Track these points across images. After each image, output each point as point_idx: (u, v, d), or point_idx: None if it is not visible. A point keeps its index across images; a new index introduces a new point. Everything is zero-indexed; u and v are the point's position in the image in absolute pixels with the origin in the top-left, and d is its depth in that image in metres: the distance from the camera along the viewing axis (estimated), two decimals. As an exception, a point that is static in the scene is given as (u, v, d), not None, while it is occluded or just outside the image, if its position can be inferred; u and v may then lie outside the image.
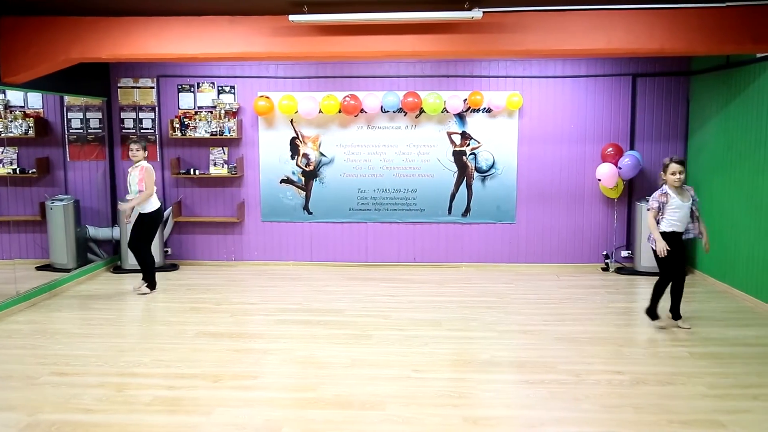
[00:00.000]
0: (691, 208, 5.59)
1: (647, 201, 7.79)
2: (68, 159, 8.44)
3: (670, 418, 3.92)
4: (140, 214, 6.93)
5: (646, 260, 7.82)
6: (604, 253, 8.29)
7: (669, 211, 5.58)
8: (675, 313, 5.75)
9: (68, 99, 8.27)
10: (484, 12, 5.77)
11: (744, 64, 6.74)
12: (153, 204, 6.93)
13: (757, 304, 6.45)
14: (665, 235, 5.56)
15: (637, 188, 8.21)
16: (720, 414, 3.98)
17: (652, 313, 5.79)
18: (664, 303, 5.72)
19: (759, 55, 6.36)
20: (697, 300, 5.82)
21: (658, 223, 5.62)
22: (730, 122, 7.07)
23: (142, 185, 6.81)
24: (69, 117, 8.38)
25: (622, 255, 8.33)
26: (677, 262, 5.63)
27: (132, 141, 6.92)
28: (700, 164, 7.76)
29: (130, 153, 6.87)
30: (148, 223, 6.97)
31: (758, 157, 6.50)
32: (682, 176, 5.53)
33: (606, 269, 8.22)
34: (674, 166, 5.51)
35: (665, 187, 5.60)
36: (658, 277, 5.74)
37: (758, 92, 6.52)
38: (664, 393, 4.32)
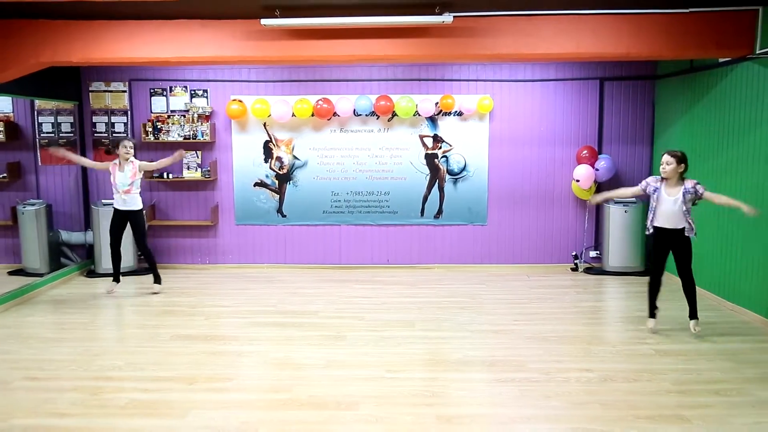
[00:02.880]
0: (684, 203, 5.35)
1: (615, 203, 7.97)
2: (40, 163, 8.41)
3: (637, 414, 4.04)
4: (132, 212, 6.98)
5: (614, 260, 8.01)
6: (574, 253, 8.45)
7: (655, 203, 5.50)
8: (690, 314, 5.64)
9: (39, 103, 8.23)
10: (454, 17, 5.87)
11: (707, 69, 6.92)
12: (140, 202, 7.05)
13: (720, 302, 6.65)
14: (654, 230, 5.54)
15: (605, 190, 8.17)
16: (684, 409, 4.11)
17: (649, 311, 5.77)
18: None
19: (721, 59, 6.55)
20: (663, 298, 5.90)
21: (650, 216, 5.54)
22: (694, 125, 7.25)
23: (135, 178, 6.93)
24: (40, 121, 8.35)
25: (591, 255, 8.48)
26: (661, 261, 5.60)
27: (125, 138, 6.96)
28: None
29: (124, 150, 6.87)
30: (141, 219, 7.09)
31: (721, 159, 6.68)
32: (668, 167, 5.36)
33: (575, 269, 8.37)
34: (663, 157, 5.44)
35: (659, 177, 5.53)
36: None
37: (721, 96, 6.70)
38: (630, 389, 4.44)
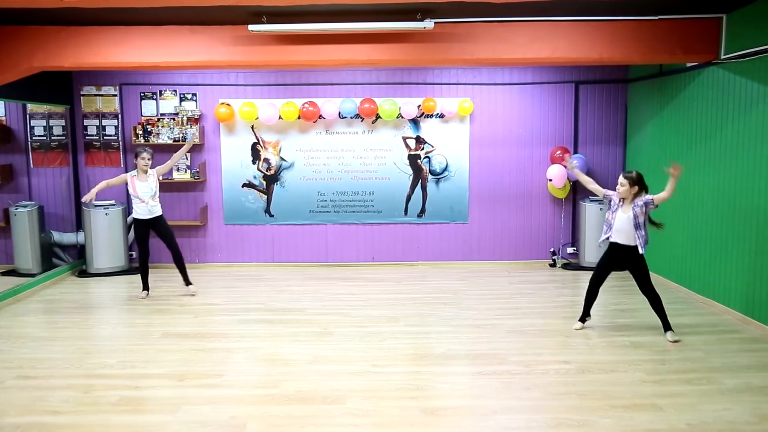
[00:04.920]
0: (635, 218, 5.33)
1: (591, 200, 8.14)
2: (32, 166, 8.42)
3: (613, 403, 4.15)
4: (157, 217, 6.90)
5: (590, 256, 8.16)
6: (552, 249, 8.61)
7: (612, 219, 5.50)
8: (664, 327, 5.57)
9: (31, 107, 8.25)
10: (435, 23, 5.97)
11: (676, 73, 7.10)
12: (160, 205, 6.99)
13: (691, 294, 6.83)
14: (610, 244, 5.52)
15: (581, 188, 8.48)
16: (658, 398, 4.24)
17: (582, 314, 5.81)
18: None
19: (689, 64, 6.73)
20: (636, 292, 6.00)
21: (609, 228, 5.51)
22: (664, 126, 7.43)
23: (157, 185, 6.89)
24: (32, 124, 8.37)
25: (568, 252, 8.65)
26: (605, 271, 5.60)
27: (144, 150, 6.82)
28: (638, 166, 8.04)
29: (143, 162, 6.78)
30: (166, 222, 7.06)
31: (690, 158, 6.85)
32: (621, 189, 5.38)
33: (553, 265, 8.54)
34: (619, 179, 5.44)
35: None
36: None
37: (689, 98, 6.88)
38: (607, 380, 4.56)
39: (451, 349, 5.29)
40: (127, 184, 6.88)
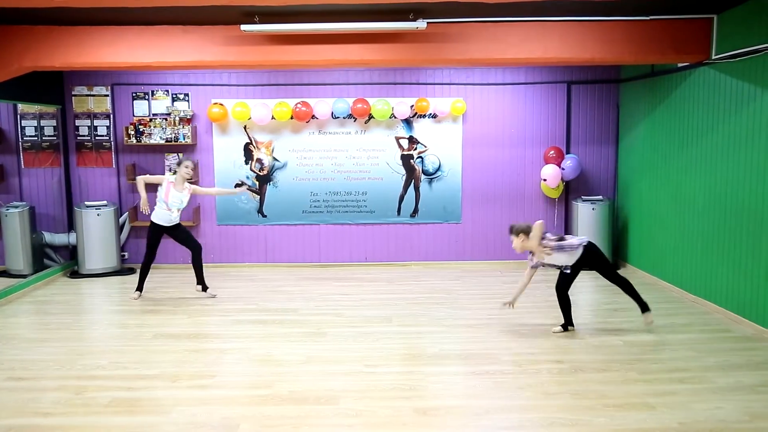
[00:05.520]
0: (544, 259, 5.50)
1: (583, 201, 8.17)
2: (23, 166, 8.38)
3: (606, 403, 4.15)
4: (178, 224, 6.87)
5: None
6: (546, 250, 8.62)
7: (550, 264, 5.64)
8: (641, 309, 5.70)
9: (22, 107, 8.21)
10: (428, 23, 5.98)
11: (668, 73, 7.13)
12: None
13: (683, 294, 6.85)
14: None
15: (573, 188, 8.57)
16: (650, 397, 4.24)
17: (564, 323, 5.80)
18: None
19: (680, 64, 6.75)
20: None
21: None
22: (656, 126, 7.46)
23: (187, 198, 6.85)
24: (23, 125, 8.32)
25: (562, 251, 8.66)
26: (568, 279, 5.69)
27: (188, 159, 6.76)
28: (630, 165, 8.18)
29: (185, 170, 6.72)
30: (183, 227, 7.04)
31: (682, 158, 6.89)
32: (514, 245, 5.56)
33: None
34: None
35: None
36: None
37: (681, 99, 6.91)
38: (599, 379, 4.56)
39: (444, 348, 5.28)
40: (161, 186, 6.77)
